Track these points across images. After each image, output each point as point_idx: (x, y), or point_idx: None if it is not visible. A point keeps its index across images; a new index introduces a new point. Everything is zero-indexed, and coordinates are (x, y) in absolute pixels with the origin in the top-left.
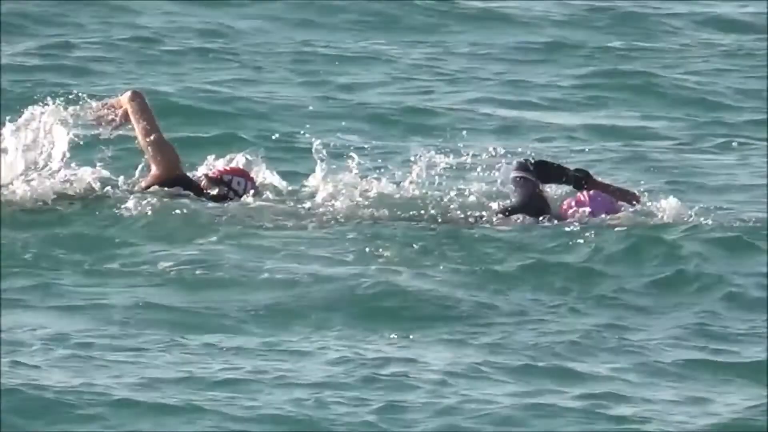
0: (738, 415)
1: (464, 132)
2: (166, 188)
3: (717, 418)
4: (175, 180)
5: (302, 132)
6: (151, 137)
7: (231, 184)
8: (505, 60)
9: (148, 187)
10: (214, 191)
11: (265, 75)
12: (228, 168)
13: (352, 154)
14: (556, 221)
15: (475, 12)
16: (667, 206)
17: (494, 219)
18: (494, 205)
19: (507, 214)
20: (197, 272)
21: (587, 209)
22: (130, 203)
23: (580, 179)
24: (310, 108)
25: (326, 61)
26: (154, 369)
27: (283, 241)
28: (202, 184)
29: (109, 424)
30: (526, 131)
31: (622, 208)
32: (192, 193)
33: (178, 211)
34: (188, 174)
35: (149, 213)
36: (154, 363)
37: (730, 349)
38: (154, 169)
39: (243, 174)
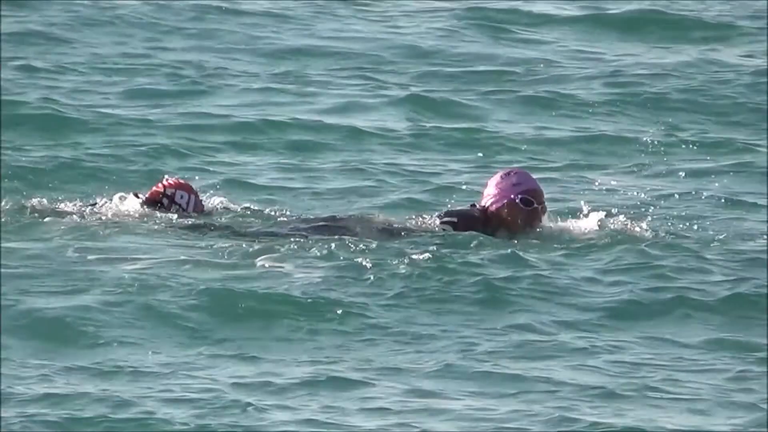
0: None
1: (311, 144)
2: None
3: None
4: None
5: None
6: None
7: (174, 198)
8: (362, 65)
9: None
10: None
11: (90, 85)
12: (171, 182)
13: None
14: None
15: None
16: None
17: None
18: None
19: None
20: (66, 284)
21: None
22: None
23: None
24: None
25: (151, 69)
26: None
27: (164, 251)
28: (144, 199)
29: None
30: (366, 141)
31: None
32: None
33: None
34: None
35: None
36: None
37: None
38: None
39: (185, 188)
